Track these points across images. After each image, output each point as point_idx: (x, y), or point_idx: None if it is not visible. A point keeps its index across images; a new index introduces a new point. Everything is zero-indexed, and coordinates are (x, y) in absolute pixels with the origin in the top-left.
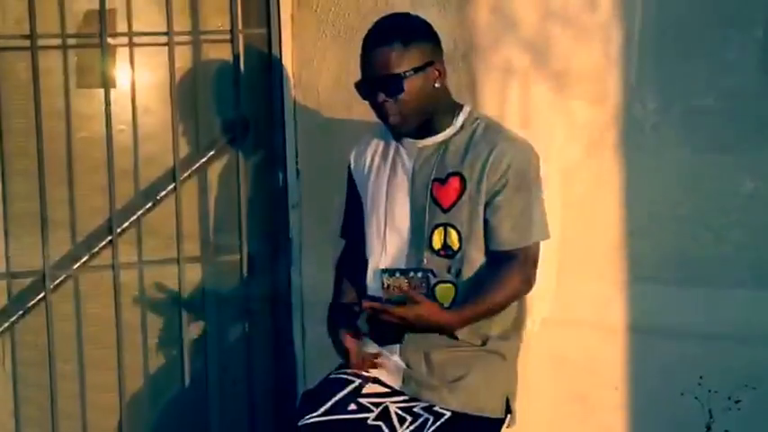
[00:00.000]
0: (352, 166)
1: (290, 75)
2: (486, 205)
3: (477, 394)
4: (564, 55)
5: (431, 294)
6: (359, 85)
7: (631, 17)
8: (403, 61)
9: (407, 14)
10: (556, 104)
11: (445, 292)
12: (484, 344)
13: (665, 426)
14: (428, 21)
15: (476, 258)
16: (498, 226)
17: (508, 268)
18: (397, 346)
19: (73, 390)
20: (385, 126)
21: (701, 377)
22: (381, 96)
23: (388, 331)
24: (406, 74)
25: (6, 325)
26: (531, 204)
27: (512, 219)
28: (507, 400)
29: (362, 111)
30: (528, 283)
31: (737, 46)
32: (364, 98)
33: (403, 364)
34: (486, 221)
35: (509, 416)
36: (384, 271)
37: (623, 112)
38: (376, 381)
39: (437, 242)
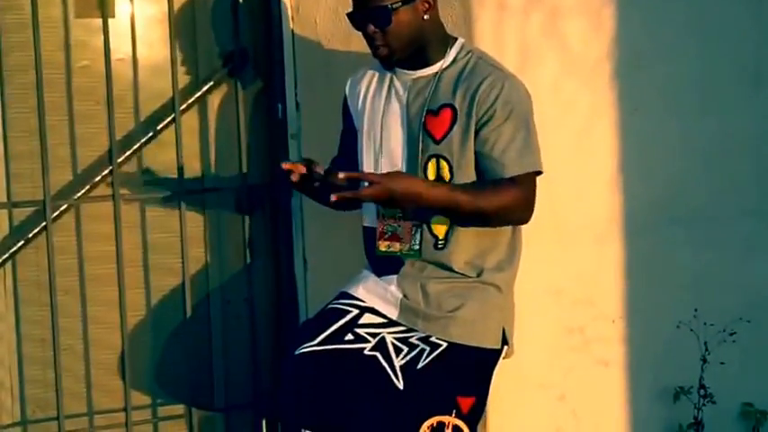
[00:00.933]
0: (347, 97)
1: (289, 6)
2: (476, 136)
3: (473, 325)
4: None
5: (426, 228)
6: (351, 16)
7: None
8: None
9: None
10: (551, 37)
11: (440, 225)
12: (479, 275)
13: (662, 357)
14: None
15: None
16: (488, 156)
17: (506, 185)
18: (394, 276)
19: (75, 325)
20: (375, 57)
21: (696, 310)
22: (371, 27)
23: (386, 263)
24: (393, 6)
25: (7, 255)
26: (521, 135)
27: (501, 149)
28: (504, 332)
29: (360, 42)
30: (524, 205)
31: None
32: (356, 28)
33: (400, 295)
34: (476, 153)
35: (506, 347)
36: None
37: (618, 43)
38: (373, 311)
39: (431, 173)
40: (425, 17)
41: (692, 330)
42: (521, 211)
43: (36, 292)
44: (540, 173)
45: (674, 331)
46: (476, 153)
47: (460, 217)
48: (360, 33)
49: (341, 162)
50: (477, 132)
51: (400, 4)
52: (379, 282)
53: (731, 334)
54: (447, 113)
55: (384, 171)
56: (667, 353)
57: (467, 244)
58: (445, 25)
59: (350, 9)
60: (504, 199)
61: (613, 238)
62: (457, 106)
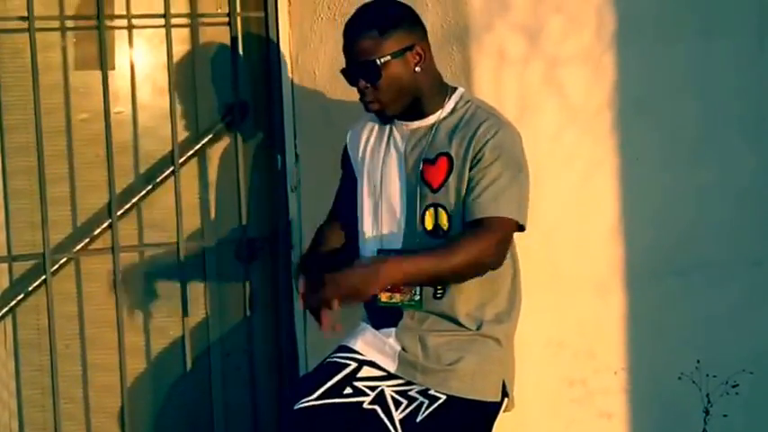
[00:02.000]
0: (348, 146)
1: (288, 58)
2: (468, 180)
3: (473, 379)
4: (558, 38)
5: None
6: (344, 72)
7: (622, 1)
8: (379, 48)
9: (387, 1)
10: (550, 86)
11: None
12: (479, 328)
13: (664, 410)
14: (409, 5)
15: None
16: (468, 196)
17: (466, 234)
18: (393, 329)
19: (74, 371)
20: (368, 111)
21: (698, 361)
22: (361, 83)
23: (384, 315)
24: (382, 60)
25: (7, 308)
26: (505, 179)
27: (481, 188)
28: (504, 384)
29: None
30: (492, 253)
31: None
32: (350, 84)
33: (398, 348)
34: (465, 195)
35: (506, 400)
36: (379, 251)
37: (618, 92)
38: (372, 364)
39: (429, 223)
40: (417, 69)
41: (694, 382)
42: (488, 263)
43: (36, 345)
44: (519, 225)
45: (677, 383)
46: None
47: (436, 282)
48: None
49: (337, 213)
50: (469, 176)
51: (389, 57)
52: (378, 334)
53: (734, 386)
54: (443, 162)
55: (384, 223)
56: (670, 405)
57: (466, 293)
58: (444, 75)
59: (341, 72)
60: (469, 250)
61: (614, 288)
62: (453, 154)
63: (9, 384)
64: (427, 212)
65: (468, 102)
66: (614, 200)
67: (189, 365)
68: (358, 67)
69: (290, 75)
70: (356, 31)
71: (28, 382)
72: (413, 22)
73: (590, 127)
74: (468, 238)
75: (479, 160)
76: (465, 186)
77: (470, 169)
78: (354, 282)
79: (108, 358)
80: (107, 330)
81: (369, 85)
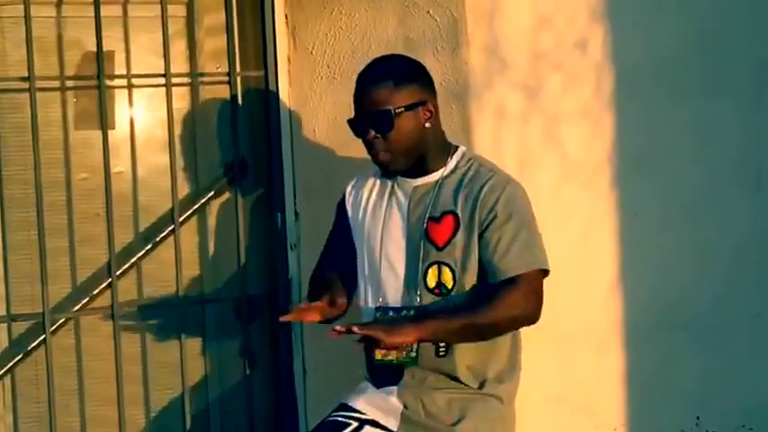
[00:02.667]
0: (346, 196)
1: (288, 116)
2: (479, 240)
3: None
4: (557, 95)
5: None
6: (352, 122)
7: (621, 59)
8: (393, 99)
9: (402, 56)
10: (550, 143)
11: None
12: (481, 387)
13: None
14: (422, 63)
15: None
16: (491, 257)
17: (506, 290)
18: (395, 387)
19: (73, 425)
20: (375, 163)
21: (698, 417)
22: (371, 133)
23: (386, 373)
24: (395, 111)
25: (6, 368)
26: (524, 234)
27: (503, 249)
28: None
29: (359, 151)
30: (528, 308)
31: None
32: (356, 135)
33: (401, 406)
34: (480, 256)
35: None
36: (377, 309)
37: (617, 149)
38: (374, 423)
39: (431, 280)
40: (427, 125)
41: None
42: (527, 312)
43: (35, 404)
44: (546, 271)
45: None
46: (480, 255)
47: (470, 337)
48: (359, 141)
49: (327, 266)
50: (480, 236)
51: (403, 109)
52: (379, 393)
53: None
54: (449, 220)
55: (385, 280)
56: None
57: (468, 352)
58: (445, 132)
59: (349, 116)
60: (506, 305)
61: (614, 344)
62: (459, 213)
63: None
64: (430, 270)
65: (469, 159)
66: (614, 256)
67: (188, 423)
68: (369, 117)
69: (289, 133)
70: (371, 80)
71: None
72: (426, 79)
73: (589, 183)
74: (505, 294)
75: (492, 220)
76: (476, 246)
77: (484, 229)
78: (401, 330)
79: (107, 412)
80: (106, 385)
81: (378, 136)
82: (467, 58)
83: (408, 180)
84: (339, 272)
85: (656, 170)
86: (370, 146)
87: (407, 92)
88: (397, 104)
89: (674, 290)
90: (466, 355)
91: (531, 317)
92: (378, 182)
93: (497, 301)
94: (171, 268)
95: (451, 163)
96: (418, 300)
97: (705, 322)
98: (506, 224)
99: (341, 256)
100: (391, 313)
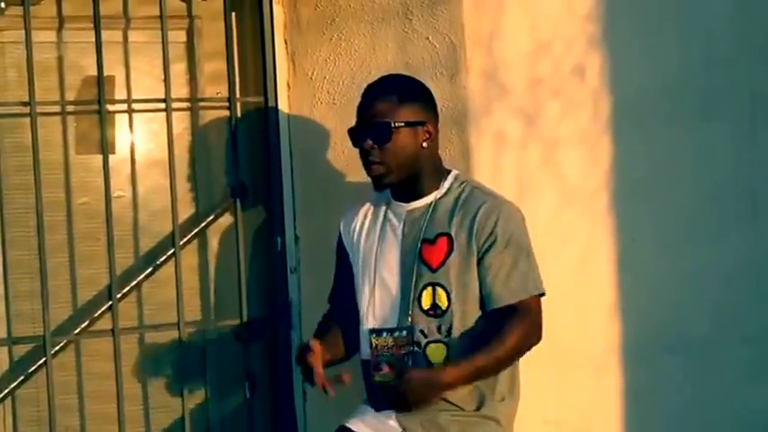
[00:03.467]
0: (342, 233)
1: (287, 140)
2: (479, 265)
3: None
4: (555, 121)
5: (420, 353)
6: (352, 131)
7: (618, 85)
8: (395, 113)
9: (410, 77)
10: (548, 168)
11: (436, 351)
12: (479, 408)
13: None
14: (428, 87)
15: (466, 317)
16: (492, 283)
17: (509, 321)
18: (393, 411)
19: None
20: (370, 178)
21: None
22: (368, 142)
23: (384, 396)
24: (395, 124)
25: (7, 391)
26: (522, 259)
27: (504, 275)
28: None
29: (358, 175)
30: (534, 333)
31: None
32: (354, 144)
33: (400, 429)
34: (480, 280)
35: None
36: (372, 331)
37: (615, 173)
38: None
39: (426, 302)
40: (424, 145)
41: None
42: (532, 337)
43: (36, 428)
44: (543, 294)
45: None
46: (480, 280)
47: (491, 373)
48: (359, 166)
49: (337, 301)
50: (480, 260)
51: (403, 124)
52: (378, 416)
53: None
54: (443, 242)
55: (378, 303)
56: None
57: None
58: (443, 157)
59: (349, 144)
60: (512, 337)
61: (612, 366)
62: (453, 234)
63: None
64: (425, 291)
65: (462, 182)
66: (611, 279)
67: None
68: (369, 127)
69: (289, 157)
70: (376, 93)
71: None
72: (429, 102)
73: (587, 208)
74: (513, 325)
75: (492, 245)
76: (474, 268)
77: (483, 254)
78: (417, 391)
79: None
80: (107, 407)
81: (375, 147)
82: (465, 83)
83: (402, 204)
84: (345, 319)
85: (653, 195)
86: (365, 155)
87: (410, 109)
88: (398, 119)
89: (671, 313)
90: None
91: (536, 341)
92: (371, 208)
93: (505, 335)
94: (171, 291)
95: (444, 185)
96: (409, 321)
97: (701, 345)
98: (506, 250)
99: (348, 298)
100: (385, 335)
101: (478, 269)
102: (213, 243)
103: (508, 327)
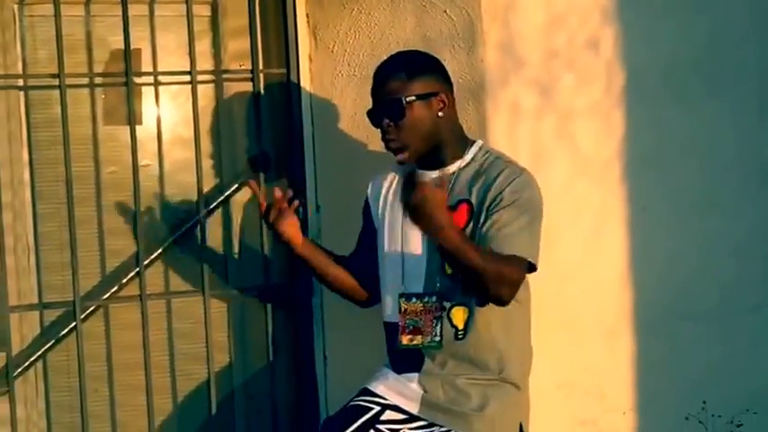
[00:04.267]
0: (369, 198)
1: (309, 112)
2: (485, 223)
3: (494, 422)
4: (569, 93)
5: (446, 317)
6: (369, 113)
7: (631, 59)
8: (405, 88)
9: (417, 51)
10: (563, 139)
11: (459, 313)
12: (500, 373)
13: None
14: (437, 57)
15: None
16: (485, 234)
17: (508, 257)
18: (416, 374)
19: (104, 415)
20: (389, 151)
21: (704, 402)
22: (385, 121)
23: (407, 360)
24: (407, 99)
25: (38, 354)
26: (521, 221)
27: (496, 227)
28: (521, 426)
29: (378, 146)
30: (510, 281)
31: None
32: (373, 125)
33: (421, 391)
34: (478, 233)
35: None
36: (401, 296)
37: (627, 144)
38: (395, 408)
39: (449, 267)
40: (440, 114)
41: (700, 422)
42: (506, 286)
43: (67, 396)
44: (532, 265)
45: (684, 423)
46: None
47: (459, 267)
48: (378, 136)
49: (356, 260)
50: (486, 219)
51: (414, 98)
52: (400, 378)
53: (738, 425)
54: (464, 209)
55: (406, 268)
56: None
57: (486, 338)
58: (462, 127)
59: (367, 114)
60: (503, 267)
61: (623, 332)
62: (473, 201)
63: (39, 423)
64: None
65: (487, 152)
66: (623, 248)
67: (213, 408)
68: (383, 106)
69: (311, 128)
70: (385, 73)
71: (57, 423)
72: (440, 72)
73: (600, 178)
74: (505, 260)
75: (498, 203)
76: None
77: (489, 211)
78: (426, 211)
79: (135, 399)
80: (135, 374)
81: (392, 124)
82: (482, 56)
83: (426, 172)
84: (364, 267)
85: (665, 166)
86: (384, 134)
87: (420, 83)
88: (409, 93)
89: (679, 281)
90: (483, 342)
91: (504, 294)
92: (397, 176)
93: (504, 259)
94: (196, 259)
95: (468, 155)
96: (438, 285)
97: (711, 312)
98: (508, 207)
99: (368, 254)
100: (414, 300)
101: (482, 222)
102: (237, 211)
103: (506, 259)
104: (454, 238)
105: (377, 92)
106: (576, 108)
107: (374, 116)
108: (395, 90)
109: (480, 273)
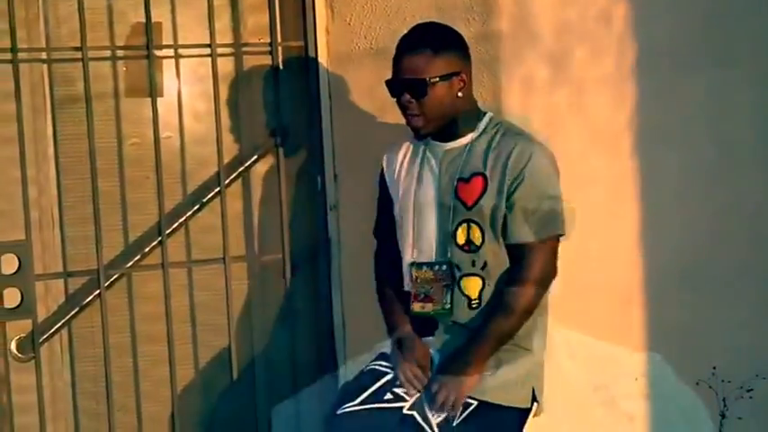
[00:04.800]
0: (384, 169)
1: (327, 84)
2: (507, 201)
3: (506, 387)
4: (582, 65)
5: (456, 285)
6: (389, 83)
7: (642, 31)
8: (430, 68)
9: (441, 24)
10: (576, 110)
11: (471, 284)
12: (514, 339)
13: (683, 414)
14: (460, 32)
15: (499, 253)
16: (514, 220)
17: (524, 271)
18: (431, 338)
19: (128, 383)
20: (407, 124)
21: (714, 368)
22: (407, 97)
23: (421, 325)
24: (431, 80)
25: (63, 321)
26: (547, 200)
27: (527, 213)
28: (534, 391)
29: (394, 117)
30: (549, 272)
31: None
32: (392, 95)
33: (437, 358)
34: (505, 217)
35: (536, 405)
36: (412, 264)
37: (639, 116)
38: None
39: (461, 237)
40: (459, 94)
41: (710, 387)
42: (548, 281)
43: (92, 365)
44: (562, 234)
45: (695, 388)
46: (504, 217)
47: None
48: (394, 108)
49: (382, 235)
50: (508, 198)
51: (438, 79)
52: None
53: (748, 390)
54: (478, 181)
55: (419, 238)
56: (688, 409)
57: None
58: (477, 100)
59: (384, 85)
60: (520, 299)
61: (636, 299)
62: (487, 174)
63: (66, 393)
64: (460, 228)
65: (497, 124)
66: (636, 216)
67: (235, 375)
68: (406, 82)
69: (328, 99)
70: (410, 47)
71: (82, 393)
72: (462, 49)
73: (612, 148)
74: (520, 284)
75: (519, 184)
76: (503, 207)
77: (511, 193)
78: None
79: (158, 370)
80: (157, 343)
81: (413, 100)
82: (497, 28)
83: (440, 143)
84: (389, 238)
85: (677, 136)
86: (404, 108)
87: (443, 62)
88: (433, 74)
89: (691, 249)
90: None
91: (552, 277)
92: (411, 147)
93: (518, 291)
94: (217, 229)
95: (480, 127)
96: (449, 254)
97: (722, 280)
98: (533, 190)
99: (389, 224)
100: (425, 268)
101: (506, 206)
102: (257, 182)
103: (518, 288)
104: (484, 357)
105: (399, 65)
106: (589, 80)
107: (394, 88)
108: (419, 68)
109: (521, 320)
